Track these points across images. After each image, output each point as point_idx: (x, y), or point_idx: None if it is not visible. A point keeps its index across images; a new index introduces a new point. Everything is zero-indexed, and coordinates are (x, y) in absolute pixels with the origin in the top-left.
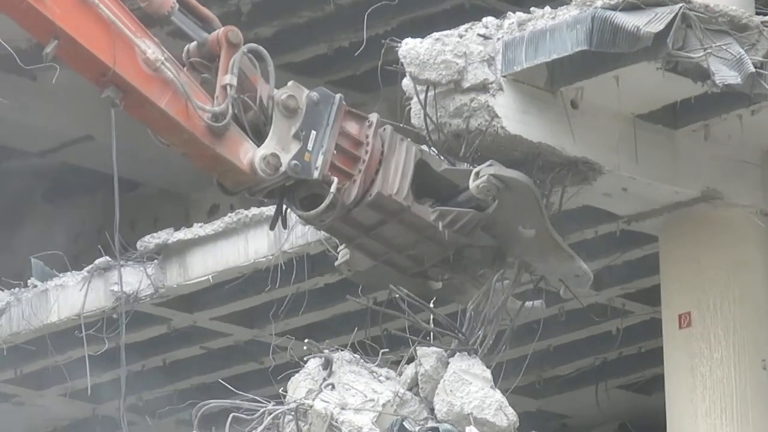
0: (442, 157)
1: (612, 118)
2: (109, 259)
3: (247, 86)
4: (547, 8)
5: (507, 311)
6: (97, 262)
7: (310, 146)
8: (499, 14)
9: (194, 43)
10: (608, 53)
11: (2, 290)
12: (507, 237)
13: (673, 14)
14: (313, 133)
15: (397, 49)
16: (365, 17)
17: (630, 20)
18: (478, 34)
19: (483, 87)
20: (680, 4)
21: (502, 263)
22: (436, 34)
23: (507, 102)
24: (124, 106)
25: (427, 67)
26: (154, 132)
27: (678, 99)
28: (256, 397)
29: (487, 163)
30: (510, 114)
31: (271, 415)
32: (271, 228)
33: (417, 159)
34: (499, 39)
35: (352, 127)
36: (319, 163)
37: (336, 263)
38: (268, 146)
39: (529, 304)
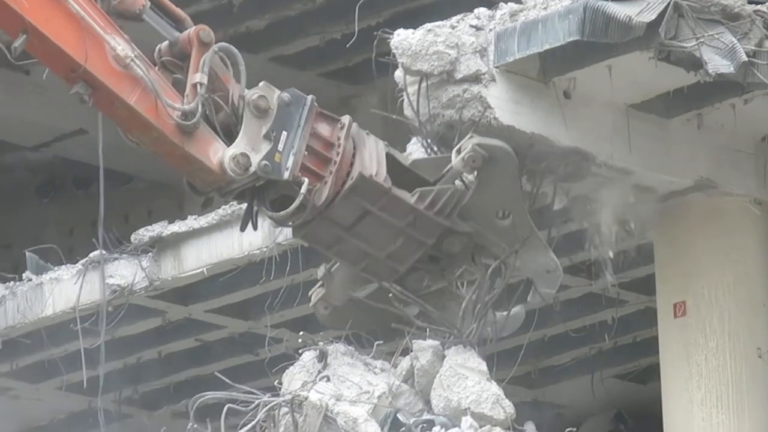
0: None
1: (605, 108)
2: (104, 252)
3: (219, 86)
4: None
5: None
6: (91, 255)
7: (280, 147)
8: (491, 5)
9: (166, 43)
10: (600, 43)
11: None
12: (483, 226)
13: (666, 4)
14: (284, 133)
15: (389, 40)
16: (357, 9)
17: (622, 10)
18: (470, 25)
19: (475, 78)
20: None
21: (479, 258)
22: (428, 25)
23: (499, 93)
24: (93, 102)
25: (419, 58)
26: (124, 130)
27: (671, 88)
28: (252, 389)
29: (468, 136)
30: (502, 105)
31: (267, 407)
32: (242, 229)
33: (386, 150)
34: (491, 30)
35: (323, 129)
36: (290, 163)
37: (311, 304)
38: (238, 146)
39: (514, 310)
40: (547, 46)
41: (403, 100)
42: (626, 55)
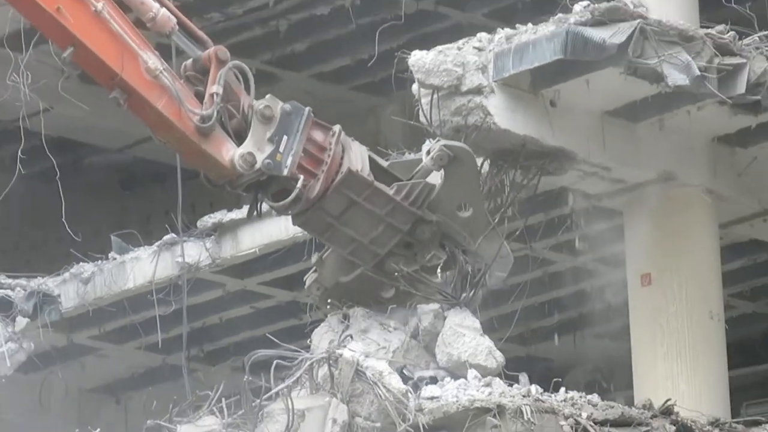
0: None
1: (584, 115)
2: (175, 236)
3: (232, 97)
4: (530, 24)
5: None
6: (165, 238)
7: (281, 148)
8: (490, 30)
9: (190, 60)
10: (580, 61)
11: (88, 262)
12: (449, 217)
13: (633, 28)
14: (285, 137)
15: (407, 59)
16: (377, 34)
17: (597, 33)
18: (474, 47)
19: (478, 90)
20: (638, 20)
21: (444, 245)
22: (439, 47)
23: (498, 102)
24: (127, 106)
25: (432, 74)
26: (153, 131)
27: (638, 98)
28: (296, 348)
29: (436, 140)
30: (500, 112)
31: (308, 363)
32: (248, 216)
33: (368, 154)
34: (490, 50)
35: (318, 135)
36: (289, 162)
37: (305, 287)
38: (246, 146)
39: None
40: (536, 64)
41: (418, 109)
42: (601, 71)
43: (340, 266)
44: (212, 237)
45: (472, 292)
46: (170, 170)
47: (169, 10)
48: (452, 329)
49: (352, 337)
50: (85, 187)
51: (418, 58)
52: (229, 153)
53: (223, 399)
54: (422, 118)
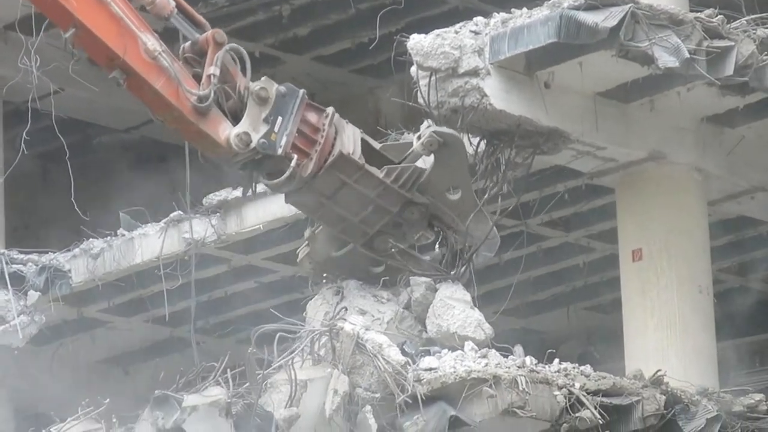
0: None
1: (577, 96)
2: (182, 213)
3: (229, 78)
4: (525, 9)
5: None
6: (171, 215)
7: (276, 129)
8: (486, 14)
9: (188, 42)
10: (573, 44)
11: (98, 238)
12: (437, 199)
13: (624, 12)
14: (280, 118)
15: (406, 43)
16: (379, 18)
17: (590, 17)
18: (470, 30)
19: (474, 72)
20: (630, 4)
21: (433, 225)
22: (437, 31)
23: (493, 84)
24: (127, 86)
25: (430, 57)
26: (151, 110)
27: (629, 79)
28: (299, 322)
29: (426, 125)
30: (496, 93)
31: (310, 336)
32: (244, 194)
33: (361, 136)
34: (486, 34)
35: (312, 117)
36: (283, 142)
37: (298, 260)
38: (242, 126)
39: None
40: (531, 47)
41: (417, 91)
42: (593, 54)
43: (332, 241)
44: (218, 214)
45: (463, 268)
46: (176, 149)
47: None
48: (442, 301)
49: (346, 309)
50: (94, 166)
51: (416, 42)
52: (225, 132)
53: (229, 370)
54: (420, 100)
